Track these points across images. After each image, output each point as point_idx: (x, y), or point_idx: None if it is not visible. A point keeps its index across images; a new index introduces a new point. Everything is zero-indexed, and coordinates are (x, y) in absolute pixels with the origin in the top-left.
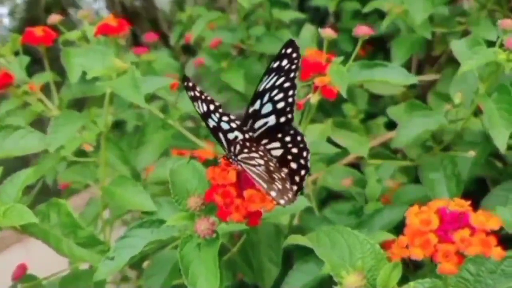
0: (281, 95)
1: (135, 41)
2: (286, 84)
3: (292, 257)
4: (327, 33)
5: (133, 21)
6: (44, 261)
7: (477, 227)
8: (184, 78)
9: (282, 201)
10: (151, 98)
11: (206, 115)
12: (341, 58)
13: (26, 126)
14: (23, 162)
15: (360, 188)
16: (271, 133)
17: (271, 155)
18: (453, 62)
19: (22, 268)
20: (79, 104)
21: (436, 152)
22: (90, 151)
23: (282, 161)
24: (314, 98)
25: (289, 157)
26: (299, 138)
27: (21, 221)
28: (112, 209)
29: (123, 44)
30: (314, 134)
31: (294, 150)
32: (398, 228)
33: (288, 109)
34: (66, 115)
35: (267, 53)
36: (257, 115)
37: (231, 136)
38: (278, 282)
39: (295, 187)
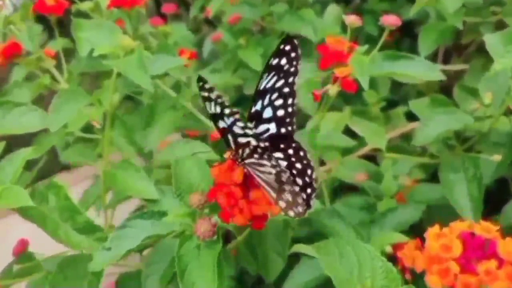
0: (280, 101)
1: (158, 10)
2: (285, 90)
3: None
4: (351, 19)
5: None
6: None
7: (505, 258)
8: (199, 78)
9: (291, 213)
10: (163, 74)
11: (217, 116)
12: (365, 47)
13: (28, 103)
14: (30, 134)
15: (375, 182)
16: (275, 141)
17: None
18: (483, 52)
19: (23, 243)
20: (92, 75)
21: (458, 151)
22: (98, 128)
23: (279, 181)
24: (332, 90)
25: (294, 171)
26: (301, 153)
27: (17, 203)
28: (114, 192)
29: (143, 14)
30: (331, 123)
31: (298, 166)
32: (412, 227)
33: (288, 120)
34: (70, 92)
35: (287, 32)
36: (259, 117)
37: (242, 140)
38: (283, 275)
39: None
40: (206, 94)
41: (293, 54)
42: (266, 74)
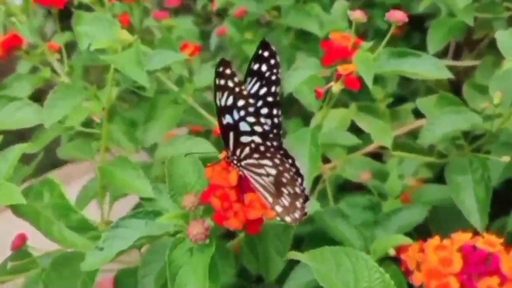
0: (266, 110)
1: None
2: (269, 99)
3: (301, 249)
4: (357, 15)
5: None
6: None
7: (508, 275)
8: (221, 63)
9: (288, 219)
10: (167, 69)
11: (225, 110)
12: (370, 43)
13: (23, 97)
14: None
15: (380, 181)
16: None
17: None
18: (495, 49)
19: (22, 238)
20: (97, 68)
21: (466, 151)
22: (98, 123)
23: (277, 184)
24: (336, 87)
25: (284, 180)
26: (290, 161)
27: (9, 201)
28: (111, 189)
29: (150, 7)
30: (335, 120)
31: (286, 175)
32: (416, 228)
33: (275, 131)
34: (66, 87)
35: (293, 27)
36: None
37: (245, 139)
38: (284, 275)
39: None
40: (223, 81)
41: (272, 61)
42: (249, 79)
